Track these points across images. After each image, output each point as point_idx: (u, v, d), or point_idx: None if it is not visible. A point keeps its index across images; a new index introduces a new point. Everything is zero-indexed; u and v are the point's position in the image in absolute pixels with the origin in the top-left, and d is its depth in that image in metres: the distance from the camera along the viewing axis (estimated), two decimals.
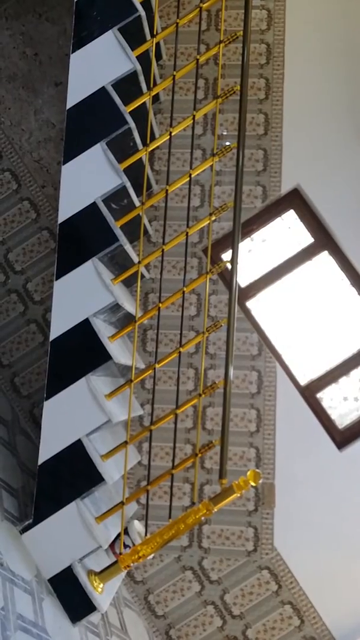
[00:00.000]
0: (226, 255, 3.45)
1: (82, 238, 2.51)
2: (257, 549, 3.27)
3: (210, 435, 3.34)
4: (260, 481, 2.17)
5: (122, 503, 2.36)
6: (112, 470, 2.45)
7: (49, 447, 2.39)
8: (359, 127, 3.34)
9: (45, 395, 2.41)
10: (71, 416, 2.39)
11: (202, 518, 2.23)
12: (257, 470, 2.17)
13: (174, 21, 2.59)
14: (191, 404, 2.52)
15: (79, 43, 2.54)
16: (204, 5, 2.63)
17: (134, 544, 2.63)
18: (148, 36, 2.68)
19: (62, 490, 2.39)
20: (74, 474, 2.40)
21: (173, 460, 2.46)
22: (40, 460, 2.39)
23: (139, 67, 2.51)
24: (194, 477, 2.33)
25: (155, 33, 2.62)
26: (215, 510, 2.19)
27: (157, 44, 2.95)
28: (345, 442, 3.33)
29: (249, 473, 2.14)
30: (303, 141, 3.34)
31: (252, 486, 2.15)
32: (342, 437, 3.35)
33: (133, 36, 2.57)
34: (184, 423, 3.34)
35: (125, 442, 2.40)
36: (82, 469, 2.37)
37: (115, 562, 2.34)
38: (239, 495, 2.16)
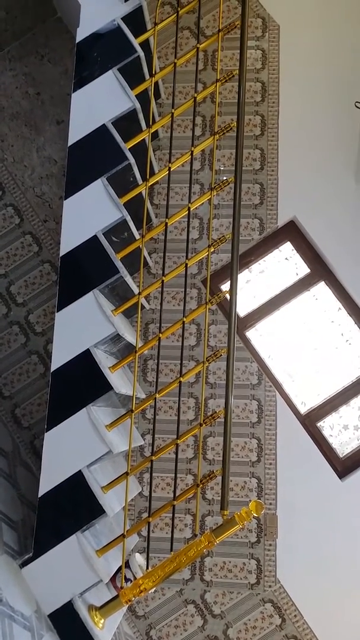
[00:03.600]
0: (225, 286, 3.50)
1: (84, 270, 2.55)
2: (260, 582, 3.23)
3: (211, 465, 3.33)
4: (263, 512, 2.17)
5: (123, 536, 2.34)
6: (112, 501, 2.44)
7: (50, 478, 2.38)
8: (351, 161, 3.42)
9: (46, 426, 2.41)
10: (72, 447, 2.39)
11: (204, 550, 2.21)
12: (259, 500, 2.17)
13: (172, 61, 2.69)
14: (192, 434, 2.52)
15: (80, 83, 2.63)
16: (201, 46, 2.73)
17: (135, 578, 2.60)
18: (147, 75, 2.78)
19: (63, 523, 2.38)
20: (74, 506, 2.38)
21: (174, 491, 2.46)
22: (41, 492, 2.38)
23: (138, 106, 2.59)
24: (196, 508, 2.32)
25: (153, 73, 2.71)
26: (218, 542, 2.17)
27: (156, 83, 3.04)
28: (347, 472, 3.32)
29: (251, 504, 2.13)
30: (298, 175, 3.42)
31: (254, 517, 2.14)
32: (343, 466, 3.34)
33: (132, 75, 2.67)
34: (185, 453, 3.33)
35: (126, 473, 2.39)
36: (83, 501, 2.36)
37: (117, 597, 2.31)
38: (241, 526, 2.15)
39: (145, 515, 3.29)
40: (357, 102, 3.39)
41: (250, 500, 2.15)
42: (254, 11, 3.53)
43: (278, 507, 3.26)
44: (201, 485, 2.37)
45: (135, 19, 2.71)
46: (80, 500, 2.37)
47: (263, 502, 3.24)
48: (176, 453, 2.50)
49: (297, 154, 3.44)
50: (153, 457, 2.44)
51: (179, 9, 2.74)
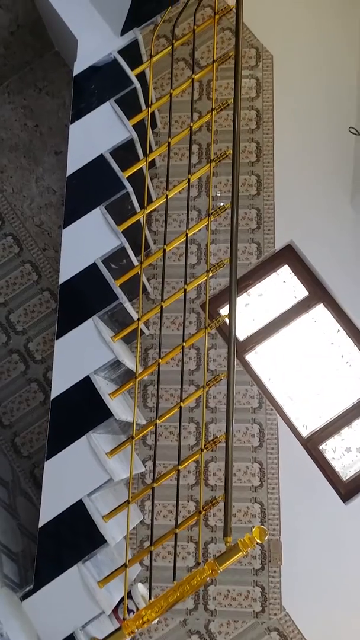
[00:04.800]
0: (224, 310, 3.51)
1: (83, 297, 2.57)
2: (265, 610, 3.16)
3: (213, 491, 3.30)
4: (266, 538, 2.14)
5: (125, 565, 2.31)
6: (114, 531, 2.41)
7: (50, 508, 2.36)
8: (347, 185, 3.47)
9: (46, 455, 2.40)
10: (72, 476, 2.38)
11: (208, 579, 2.18)
12: (263, 526, 2.14)
13: (168, 92, 2.75)
14: (193, 460, 2.51)
15: (78, 114, 2.68)
16: (196, 77, 2.79)
17: (138, 608, 2.55)
18: (143, 106, 2.83)
19: (64, 554, 2.35)
20: (75, 536, 2.36)
21: (176, 519, 2.43)
22: (41, 523, 2.35)
23: (135, 136, 2.64)
24: (199, 535, 2.30)
25: (150, 103, 2.77)
26: (221, 570, 2.14)
27: (152, 113, 3.10)
28: (350, 495, 3.29)
29: (254, 530, 2.10)
30: (294, 199, 3.47)
31: (258, 543, 2.12)
32: (347, 489, 3.31)
33: (129, 106, 2.72)
34: (187, 479, 3.30)
35: (127, 501, 2.37)
36: (84, 530, 2.33)
37: (119, 629, 2.26)
38: (244, 553, 2.12)
39: (147, 544, 3.24)
40: (350, 127, 3.45)
41: (253, 526, 2.12)
42: (248, 42, 3.62)
43: (282, 532, 3.22)
44: (203, 512, 2.34)
45: (131, 52, 2.77)
46: (81, 530, 2.34)
47: (266, 527, 3.20)
48: (177, 479, 2.48)
49: (293, 179, 3.49)
50: (154, 484, 2.42)
51: (174, 41, 2.81)
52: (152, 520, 2.44)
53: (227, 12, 2.91)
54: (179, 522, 2.37)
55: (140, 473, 3.32)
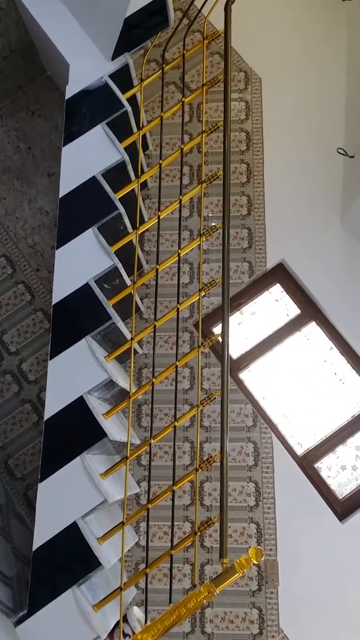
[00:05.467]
0: (217, 329, 3.52)
1: (76, 318, 2.57)
2: (263, 632, 3.12)
3: (209, 512, 3.27)
4: (263, 558, 2.12)
5: (120, 589, 2.28)
6: (109, 553, 2.38)
7: (44, 531, 2.33)
8: (336, 204, 3.52)
9: (39, 476, 2.38)
10: (66, 498, 2.36)
11: (204, 601, 2.15)
12: (259, 547, 2.13)
13: (159, 114, 2.79)
14: (188, 480, 2.49)
15: (70, 137, 2.72)
16: (186, 100, 2.84)
17: (134, 632, 2.51)
18: (135, 129, 2.88)
19: (58, 577, 2.31)
20: (69, 559, 2.33)
21: (172, 540, 2.41)
22: (35, 546, 2.32)
23: (127, 158, 2.67)
24: (194, 557, 2.27)
25: (141, 126, 2.81)
26: (218, 592, 2.12)
27: (144, 136, 3.14)
28: (347, 513, 3.27)
29: (250, 550, 2.09)
30: (285, 219, 3.51)
31: (254, 564, 2.10)
32: (343, 507, 3.29)
33: (121, 129, 2.76)
34: (182, 500, 3.28)
35: (122, 523, 2.35)
36: (78, 553, 2.31)
37: None
38: (241, 574, 2.10)
39: (142, 566, 3.20)
40: (339, 148, 3.51)
41: (249, 547, 2.11)
42: (237, 65, 3.69)
43: (278, 552, 3.19)
44: (199, 533, 2.32)
45: (122, 76, 2.82)
46: (75, 553, 2.31)
47: (263, 548, 3.17)
48: (172, 500, 2.46)
49: (283, 199, 3.54)
50: (149, 505, 2.40)
51: (164, 65, 2.87)
52: (147, 541, 2.42)
53: (216, 37, 2.98)
54: (174, 544, 2.35)
55: (135, 494, 3.30)
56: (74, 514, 2.33)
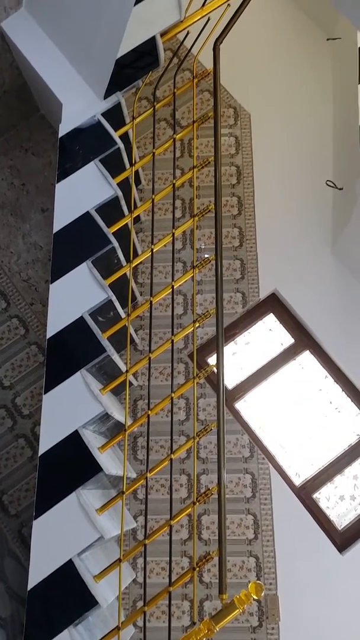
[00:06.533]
0: (212, 359, 3.53)
1: (71, 351, 2.58)
2: None
3: (207, 546, 3.22)
4: (263, 593, 2.09)
5: (117, 628, 2.23)
6: (105, 591, 2.33)
7: (39, 569, 2.29)
8: (327, 235, 3.58)
9: (34, 513, 2.34)
10: (62, 535, 2.32)
11: (204, 639, 2.10)
12: (259, 582, 2.09)
13: (151, 151, 2.86)
14: (185, 514, 2.46)
15: (64, 174, 2.77)
16: (177, 136, 2.92)
17: None
18: (127, 165, 2.93)
19: (54, 618, 2.26)
20: (65, 598, 2.28)
21: (170, 576, 2.37)
22: (30, 585, 2.27)
23: (119, 193, 2.72)
24: (193, 593, 2.23)
25: (133, 162, 2.87)
26: (218, 629, 2.07)
27: (136, 171, 3.21)
28: (347, 544, 3.23)
29: (250, 585, 2.05)
30: (276, 250, 3.56)
31: (254, 600, 2.06)
32: (342, 539, 3.25)
33: (113, 165, 2.82)
34: (179, 534, 3.23)
35: (119, 560, 2.31)
36: (74, 592, 2.26)
37: None
38: (241, 610, 2.06)
39: (140, 603, 3.13)
40: (327, 180, 3.58)
41: (249, 581, 2.08)
42: (226, 102, 3.79)
43: (278, 586, 3.13)
44: (197, 569, 2.29)
45: (114, 114, 2.89)
46: (71, 592, 2.26)
47: (263, 582, 3.11)
48: (170, 535, 2.43)
49: (274, 231, 3.59)
50: (146, 541, 2.36)
51: (155, 103, 2.95)
52: (144, 578, 2.38)
53: (205, 75, 3.07)
54: (172, 580, 2.31)
55: (132, 529, 3.24)
56: (70, 551, 2.29)
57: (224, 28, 2.93)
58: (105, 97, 2.82)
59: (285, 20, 3.95)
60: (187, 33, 2.94)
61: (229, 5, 2.85)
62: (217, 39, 2.93)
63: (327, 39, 3.88)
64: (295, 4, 3.96)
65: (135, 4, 2.38)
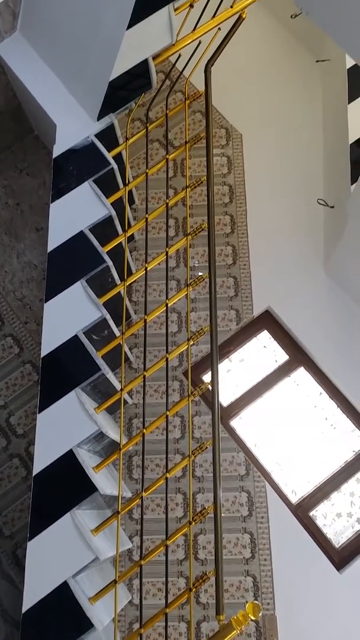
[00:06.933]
0: (206, 377, 3.53)
1: (65, 369, 2.57)
2: None
3: (203, 566, 3.19)
4: (260, 614, 2.07)
5: None
6: (101, 613, 2.30)
7: (34, 592, 2.26)
8: (319, 252, 3.61)
9: (28, 534, 2.32)
10: (56, 556, 2.29)
11: None
12: (256, 602, 2.07)
13: (144, 170, 2.89)
14: (181, 533, 2.44)
15: (58, 194, 2.79)
16: (170, 157, 2.95)
17: None
18: (121, 185, 2.96)
19: None
20: (60, 621, 2.24)
21: (166, 597, 2.34)
22: (25, 608, 2.24)
23: (113, 213, 2.74)
24: (190, 614, 2.21)
25: (127, 182, 2.90)
26: None
27: (130, 191, 3.24)
28: (344, 562, 3.20)
29: (247, 606, 2.03)
30: (269, 267, 3.59)
31: (252, 620, 2.04)
32: (340, 557, 3.22)
33: (107, 185, 2.85)
34: (176, 554, 3.20)
35: (115, 581, 2.28)
36: (69, 614, 2.22)
37: None
38: (239, 631, 2.04)
39: (136, 625, 3.08)
40: (319, 199, 3.63)
41: (246, 602, 2.05)
42: (218, 123, 3.85)
43: (276, 606, 3.10)
44: (194, 589, 2.26)
45: (107, 135, 2.93)
46: (66, 614, 2.23)
47: (260, 601, 3.08)
48: (166, 555, 2.41)
49: (267, 248, 3.62)
50: (142, 562, 2.34)
51: (148, 124, 2.99)
52: (140, 600, 2.34)
53: (197, 97, 3.12)
54: (169, 601, 2.28)
55: (127, 549, 3.21)
56: (65, 573, 2.26)
57: (215, 51, 2.99)
58: (98, 119, 2.86)
59: (275, 43, 4.04)
60: (179, 56, 2.99)
61: (219, 29, 2.91)
62: (208, 62, 2.99)
63: (317, 61, 3.96)
64: (284, 27, 4.05)
65: (127, 28, 2.43)
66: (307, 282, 3.56)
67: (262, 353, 3.63)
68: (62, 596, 2.24)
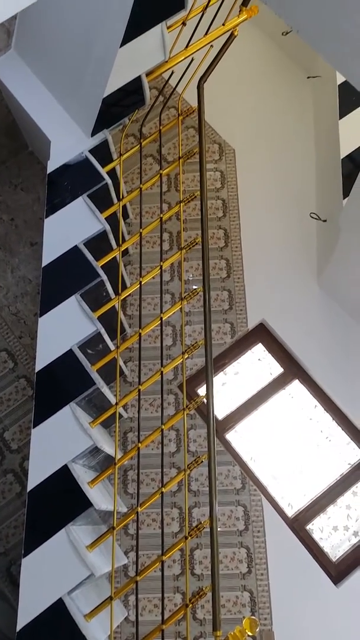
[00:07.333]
0: (201, 390, 3.53)
1: (60, 384, 2.57)
2: None
3: (200, 581, 3.16)
4: (258, 629, 2.05)
5: None
6: (97, 630, 2.28)
7: (28, 609, 2.23)
8: (312, 265, 3.64)
9: (23, 551, 2.30)
10: (51, 572, 2.27)
11: None
12: (253, 617, 2.06)
13: (138, 185, 2.92)
14: (177, 549, 2.43)
15: (52, 209, 2.81)
16: (164, 172, 2.98)
17: None
18: (115, 199, 2.99)
19: None
20: (56, 639, 2.22)
21: (162, 614, 2.32)
22: (19, 626, 2.21)
23: (108, 227, 2.76)
24: (186, 630, 2.19)
25: (121, 196, 2.92)
26: None
27: (124, 205, 3.26)
28: (341, 576, 3.18)
29: (244, 621, 2.02)
30: (263, 280, 3.61)
31: (249, 636, 2.02)
32: (337, 570, 3.21)
33: (101, 200, 2.87)
34: (172, 569, 3.17)
35: (110, 598, 2.26)
36: (65, 632, 2.20)
37: None
38: None
39: None
40: (311, 213, 3.66)
41: (243, 617, 2.04)
42: (211, 138, 3.89)
43: (274, 621, 3.07)
44: (190, 605, 2.25)
45: (101, 151, 2.96)
46: (62, 633, 2.21)
47: (257, 617, 3.05)
48: (162, 570, 2.39)
49: (261, 262, 3.65)
50: (138, 578, 2.32)
51: (141, 140, 3.02)
52: (136, 616, 2.32)
53: (190, 112, 3.16)
54: (165, 618, 2.26)
55: (123, 565, 3.18)
56: (60, 589, 2.24)
57: (208, 67, 3.03)
58: (92, 135, 2.89)
59: (267, 60, 4.10)
60: (172, 72, 3.03)
61: (211, 46, 2.95)
62: (201, 78, 3.03)
63: (308, 77, 4.02)
64: (276, 44, 4.11)
65: (121, 46, 2.47)
66: (300, 295, 3.58)
67: (256, 366, 3.64)
68: (58, 614, 2.22)
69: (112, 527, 2.35)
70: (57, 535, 2.31)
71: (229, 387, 3.61)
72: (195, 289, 2.67)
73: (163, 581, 2.37)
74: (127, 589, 2.35)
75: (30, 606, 2.23)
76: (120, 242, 2.77)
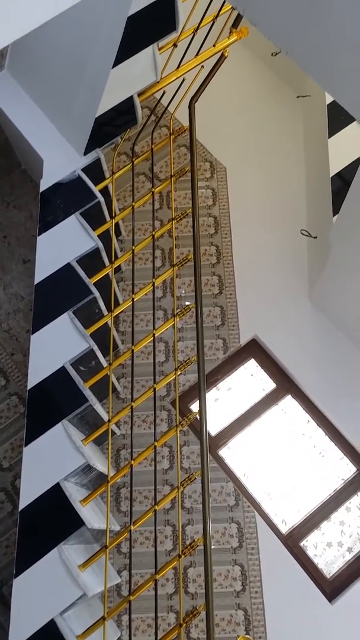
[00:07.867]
0: (194, 406, 3.52)
1: (52, 401, 2.56)
2: None
3: (194, 600, 3.13)
4: None
5: None
6: None
7: (20, 630, 2.20)
8: (304, 281, 3.67)
9: (14, 571, 2.27)
10: (43, 593, 2.25)
11: None
12: (248, 636, 2.04)
13: (130, 203, 2.94)
14: (171, 567, 2.41)
15: (45, 226, 2.83)
16: (156, 190, 3.01)
17: None
18: (107, 217, 3.01)
19: None
20: None
21: (156, 633, 2.29)
22: None
23: (100, 245, 2.78)
24: None
25: (114, 214, 2.95)
26: None
27: (117, 223, 3.29)
28: (336, 593, 3.16)
29: None
30: (255, 296, 3.63)
31: None
32: (332, 587, 3.19)
33: (94, 217, 2.89)
34: (165, 588, 3.14)
35: (103, 618, 2.24)
36: None
37: None
38: None
39: None
40: (302, 230, 3.70)
41: (238, 636, 2.02)
42: (202, 156, 3.93)
43: (268, 639, 3.04)
44: (184, 625, 2.22)
45: (94, 169, 2.99)
46: None
47: (252, 635, 3.02)
48: (155, 589, 2.37)
49: (252, 278, 3.67)
50: (131, 597, 2.30)
51: (134, 159, 3.05)
52: (130, 636, 2.30)
53: (182, 131, 3.20)
54: (159, 637, 2.24)
55: (116, 584, 3.15)
56: (52, 610, 2.22)
57: (199, 87, 3.08)
58: (85, 153, 2.92)
59: (257, 80, 4.17)
60: (164, 92, 3.08)
61: (202, 66, 3.01)
62: (192, 98, 3.08)
63: (297, 96, 4.09)
64: (266, 64, 4.19)
65: (113, 66, 2.50)
66: (292, 310, 3.60)
67: (249, 381, 3.64)
68: (50, 635, 2.19)
69: (105, 546, 2.33)
70: (49, 554, 2.29)
71: (222, 403, 3.61)
72: (187, 305, 2.68)
73: (156, 600, 2.35)
74: (120, 608, 2.33)
75: (21, 627, 2.20)
76: (113, 259, 2.78)
